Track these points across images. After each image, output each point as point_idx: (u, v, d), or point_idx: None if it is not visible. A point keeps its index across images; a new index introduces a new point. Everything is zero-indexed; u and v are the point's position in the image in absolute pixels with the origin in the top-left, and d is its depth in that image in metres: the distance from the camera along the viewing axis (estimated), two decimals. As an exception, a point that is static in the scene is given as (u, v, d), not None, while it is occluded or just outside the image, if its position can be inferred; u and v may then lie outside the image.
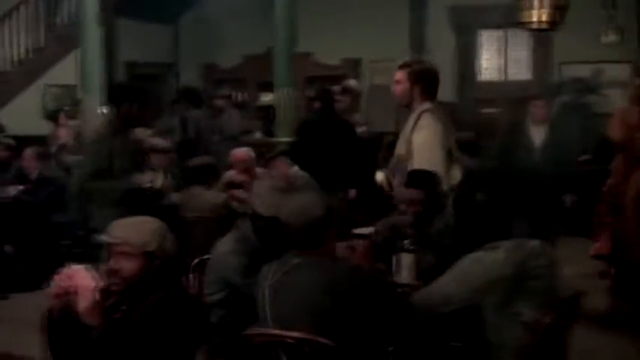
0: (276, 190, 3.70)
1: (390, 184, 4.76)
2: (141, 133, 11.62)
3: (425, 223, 4.05)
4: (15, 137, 9.64)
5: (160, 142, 6.92)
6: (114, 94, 5.82)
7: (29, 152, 7.75)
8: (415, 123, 4.54)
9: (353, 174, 7.17)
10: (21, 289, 7.07)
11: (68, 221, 7.46)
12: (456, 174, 4.61)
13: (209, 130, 9.88)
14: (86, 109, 8.87)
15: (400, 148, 4.60)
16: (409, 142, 4.52)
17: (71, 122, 10.49)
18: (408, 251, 3.90)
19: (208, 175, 6.44)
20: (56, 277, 2.77)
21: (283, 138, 8.73)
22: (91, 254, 7.58)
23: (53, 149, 9.56)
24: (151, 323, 2.76)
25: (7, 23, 12.33)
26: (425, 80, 4.62)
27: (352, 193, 7.33)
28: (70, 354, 2.86)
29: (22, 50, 12.38)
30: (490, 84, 12.56)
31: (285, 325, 3.03)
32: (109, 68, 10.10)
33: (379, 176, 4.84)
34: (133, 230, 2.86)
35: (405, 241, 3.93)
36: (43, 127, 11.07)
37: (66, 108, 10.98)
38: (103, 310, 2.73)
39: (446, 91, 11.79)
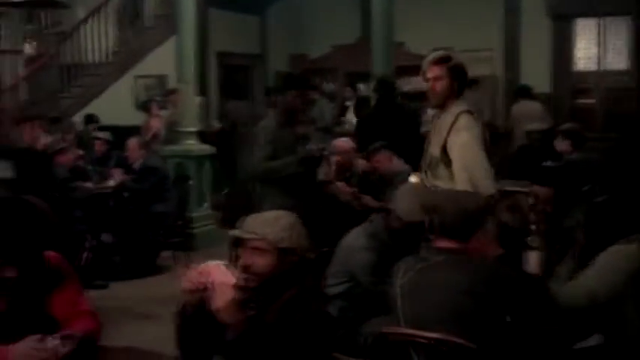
0: (420, 192, 3.68)
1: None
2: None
3: (555, 220, 3.89)
4: (107, 128, 9.78)
5: None
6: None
7: (133, 142, 7.79)
8: (452, 124, 4.15)
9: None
10: (121, 278, 7.14)
11: (166, 211, 7.47)
12: None
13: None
14: (181, 98, 8.92)
15: (434, 150, 4.24)
16: (444, 145, 4.18)
17: (162, 112, 10.58)
18: (534, 249, 3.77)
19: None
20: (191, 273, 2.68)
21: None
22: (186, 244, 7.69)
23: (146, 139, 9.64)
24: (287, 322, 2.65)
25: (98, 17, 12.54)
26: (462, 76, 4.27)
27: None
28: (203, 352, 2.78)
29: (113, 43, 12.58)
30: (586, 74, 12.22)
31: (420, 325, 2.92)
32: (201, 58, 10.14)
33: (413, 178, 4.57)
34: (269, 225, 2.74)
35: (531, 238, 3.80)
36: (134, 118, 11.21)
37: (158, 98, 11.10)
38: (239, 308, 2.63)
39: (541, 81, 11.60)
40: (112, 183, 7.67)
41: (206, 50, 11.43)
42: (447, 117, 4.18)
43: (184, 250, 7.53)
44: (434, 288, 2.96)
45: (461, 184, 4.00)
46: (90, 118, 11.01)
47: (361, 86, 12.81)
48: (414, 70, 11.18)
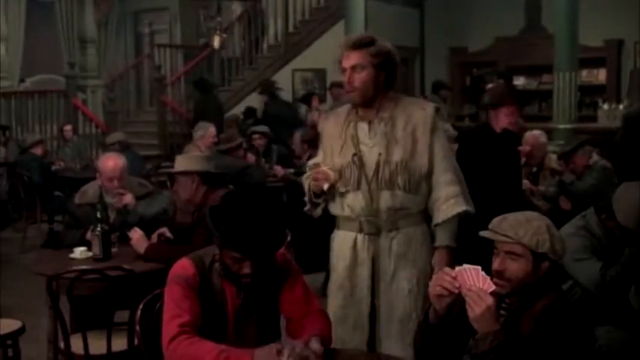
0: None
1: None
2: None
3: None
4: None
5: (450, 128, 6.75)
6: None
7: (297, 136, 7.73)
8: (432, 125, 3.33)
9: None
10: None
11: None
12: None
13: None
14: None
15: (414, 160, 3.31)
16: (430, 152, 3.33)
17: (322, 106, 10.54)
18: None
19: None
20: (443, 276, 2.49)
21: (563, 124, 8.19)
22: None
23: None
24: (545, 334, 2.44)
25: (257, 11, 12.68)
26: (391, 66, 3.33)
27: None
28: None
29: (271, 37, 12.69)
30: None
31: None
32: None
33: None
34: (524, 228, 2.53)
35: None
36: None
37: (317, 91, 11.05)
38: (496, 318, 2.43)
39: None
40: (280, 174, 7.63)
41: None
42: (415, 115, 3.34)
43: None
44: None
45: (449, 198, 3.29)
46: (250, 112, 11.08)
47: (521, 79, 12.41)
48: (583, 62, 10.78)
